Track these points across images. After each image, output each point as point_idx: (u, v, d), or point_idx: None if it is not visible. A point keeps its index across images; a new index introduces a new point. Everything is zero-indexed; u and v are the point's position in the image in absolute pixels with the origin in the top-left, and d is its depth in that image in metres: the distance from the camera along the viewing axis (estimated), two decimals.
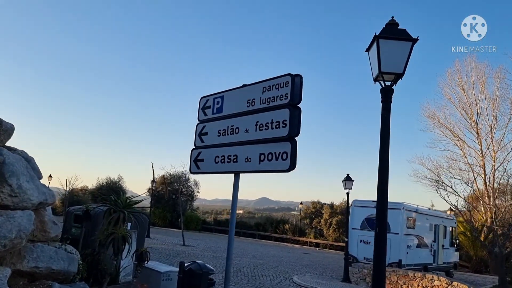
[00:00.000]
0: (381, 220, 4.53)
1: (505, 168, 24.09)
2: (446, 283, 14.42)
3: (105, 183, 41.70)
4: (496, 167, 25.11)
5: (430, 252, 19.46)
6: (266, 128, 4.67)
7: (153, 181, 32.30)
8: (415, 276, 15.10)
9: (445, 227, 20.96)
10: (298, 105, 4.49)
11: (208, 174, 5.67)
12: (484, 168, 26.37)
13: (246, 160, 4.88)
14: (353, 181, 16.77)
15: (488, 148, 28.61)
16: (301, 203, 39.88)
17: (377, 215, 4.58)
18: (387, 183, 4.50)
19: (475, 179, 25.54)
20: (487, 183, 26.69)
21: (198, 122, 5.76)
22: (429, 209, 20.05)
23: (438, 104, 28.33)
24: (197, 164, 5.57)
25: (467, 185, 20.01)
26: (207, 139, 5.53)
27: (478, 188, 25.18)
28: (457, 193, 20.32)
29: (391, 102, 4.45)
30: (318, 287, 14.64)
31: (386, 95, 4.44)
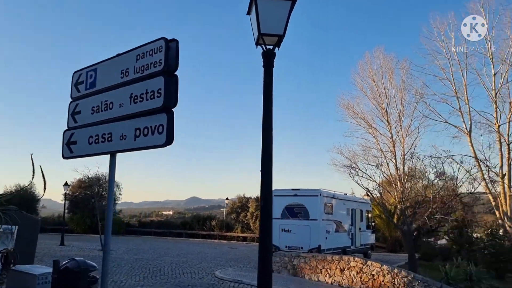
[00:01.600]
0: (266, 186, 4.16)
1: (413, 153, 25.66)
2: (361, 263, 14.90)
3: (13, 190, 38.06)
4: (405, 153, 26.79)
5: (348, 236, 20.13)
6: (141, 100, 4.18)
7: (65, 184, 30.04)
8: (333, 260, 15.43)
9: (361, 211, 21.84)
10: (175, 73, 4.04)
11: (82, 158, 5.01)
12: (395, 154, 28.01)
13: (121, 137, 4.34)
14: None
15: (397, 135, 30.51)
16: (227, 199, 39.65)
17: (262, 181, 4.20)
18: (271, 149, 4.18)
19: (387, 164, 26.97)
20: (398, 168, 28.46)
21: (71, 100, 5.08)
22: (346, 194, 20.72)
23: (352, 95, 29.47)
24: (70, 147, 4.91)
25: (380, 170, 20.97)
26: (80, 118, 4.89)
27: (390, 173, 26.68)
28: (370, 177, 21.25)
29: (273, 66, 4.16)
30: (240, 279, 14.37)
31: (268, 59, 4.14)
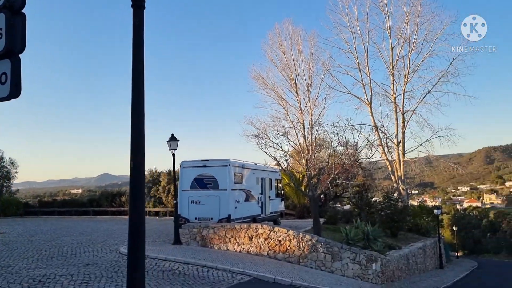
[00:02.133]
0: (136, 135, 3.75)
1: (320, 124, 26.66)
2: (269, 230, 15.23)
3: None
4: (313, 123, 27.81)
5: (258, 204, 20.46)
6: None
7: None
8: (241, 228, 15.57)
9: (271, 180, 22.29)
10: (21, 11, 3.35)
11: None
12: (303, 124, 29.00)
13: None
14: (178, 140, 16.18)
15: (306, 106, 31.58)
16: None
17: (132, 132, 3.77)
18: (142, 107, 3.76)
19: (296, 134, 27.77)
20: (306, 138, 29.56)
21: None
22: (256, 164, 20.93)
23: (263, 66, 29.57)
24: None
25: (287, 138, 21.42)
26: None
27: (299, 142, 27.59)
28: (280, 147, 21.67)
29: (143, 7, 3.69)
30: (146, 254, 13.80)
31: None
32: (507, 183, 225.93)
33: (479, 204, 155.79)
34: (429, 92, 29.42)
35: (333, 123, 20.37)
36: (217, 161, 17.98)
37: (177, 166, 17.87)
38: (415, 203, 33.91)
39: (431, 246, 25.91)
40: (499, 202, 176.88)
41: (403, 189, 29.67)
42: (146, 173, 40.40)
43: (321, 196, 35.98)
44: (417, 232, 27.95)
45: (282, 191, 24.62)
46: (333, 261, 14.63)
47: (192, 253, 14.31)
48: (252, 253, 15.25)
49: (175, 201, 17.02)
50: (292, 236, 14.85)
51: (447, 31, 29.08)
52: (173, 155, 16.36)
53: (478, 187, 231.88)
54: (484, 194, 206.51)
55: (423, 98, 29.58)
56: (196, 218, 17.58)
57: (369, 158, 15.53)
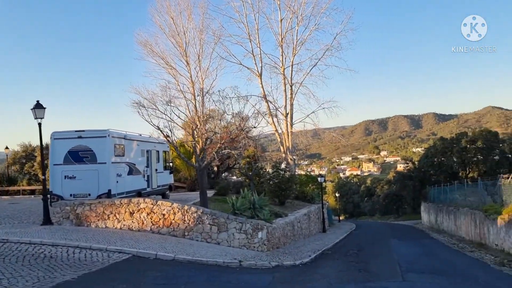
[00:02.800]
0: None
1: (211, 94, 25.99)
2: (152, 204, 14.34)
3: None
4: (204, 94, 27.02)
5: (144, 178, 19.29)
6: None
7: None
8: (121, 203, 14.43)
9: (158, 152, 21.14)
10: None
11: None
12: (195, 95, 28.07)
13: None
14: (44, 108, 14.19)
15: (197, 76, 30.60)
16: (6, 148, 33.65)
17: None
18: None
19: (188, 105, 26.76)
20: (197, 108, 28.74)
21: None
22: (141, 135, 19.59)
23: (150, 32, 27.67)
24: None
25: (172, 109, 20.39)
26: None
27: (190, 114, 26.70)
28: (170, 118, 20.57)
29: None
30: (7, 238, 11.99)
31: None
32: (382, 153, 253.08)
33: (359, 172, 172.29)
34: (315, 65, 30.57)
35: (219, 92, 19.84)
36: (94, 132, 16.30)
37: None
38: (304, 172, 35.83)
39: (316, 212, 27.47)
40: (375, 169, 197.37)
41: (291, 159, 30.76)
42: (18, 148, 36.08)
43: (214, 168, 35.90)
44: (303, 199, 29.38)
45: (171, 164, 23.64)
46: (219, 232, 14.37)
47: (64, 234, 12.83)
48: (134, 229, 14.27)
49: (43, 177, 15.08)
50: (177, 209, 14.19)
51: (331, 5, 30.27)
52: (39, 124, 14.36)
53: (358, 156, 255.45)
54: (363, 163, 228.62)
55: (310, 71, 30.66)
56: (71, 195, 15.86)
57: (255, 127, 15.46)
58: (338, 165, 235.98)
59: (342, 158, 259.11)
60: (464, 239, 21.77)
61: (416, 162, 51.88)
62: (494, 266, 12.90)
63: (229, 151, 15.24)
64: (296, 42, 29.94)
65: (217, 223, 14.34)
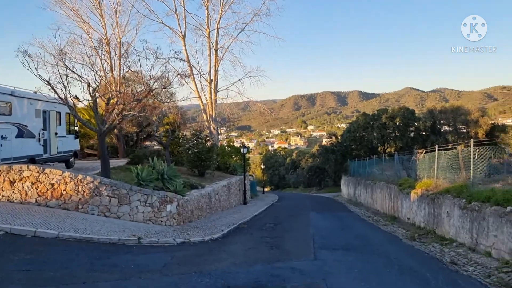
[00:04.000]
0: None
1: (129, 53, 23.51)
2: (38, 172, 12.24)
3: None
4: (121, 53, 24.41)
5: (39, 142, 16.75)
6: None
7: None
8: (0, 171, 12.15)
9: (59, 113, 18.54)
10: None
11: None
12: (110, 54, 25.36)
13: None
14: None
15: (113, 33, 27.67)
16: None
17: None
18: None
19: (102, 65, 24.11)
20: (114, 70, 26.04)
21: None
22: (36, 92, 16.90)
23: None
24: None
25: (93, 71, 17.92)
26: None
27: (106, 76, 24.07)
28: (82, 78, 18.03)
29: None
30: None
31: None
32: (309, 127, 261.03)
33: (286, 146, 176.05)
34: (242, 29, 29.00)
35: (137, 50, 17.68)
36: None
37: None
38: (237, 144, 34.54)
39: (237, 183, 26.57)
40: (302, 143, 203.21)
41: (214, 129, 29.34)
42: None
43: (133, 135, 33.42)
44: (225, 171, 28.32)
45: (77, 127, 21.07)
46: (120, 205, 12.71)
47: None
48: (15, 201, 12.10)
49: None
50: (69, 179, 12.24)
51: None
52: None
53: (287, 130, 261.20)
54: (291, 136, 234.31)
55: (237, 35, 29.02)
56: None
57: (164, 88, 13.67)
58: (267, 137, 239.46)
59: (271, 131, 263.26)
60: (379, 212, 22.16)
61: (339, 137, 53.10)
62: (405, 241, 12.77)
63: (135, 114, 13.41)
64: (223, 2, 28.03)
65: (117, 195, 12.65)
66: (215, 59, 28.72)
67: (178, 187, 14.72)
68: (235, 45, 29.52)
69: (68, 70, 12.86)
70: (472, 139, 11.65)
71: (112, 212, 12.66)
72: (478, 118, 46.02)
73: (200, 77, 29.02)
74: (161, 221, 13.48)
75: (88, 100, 13.44)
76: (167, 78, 13.89)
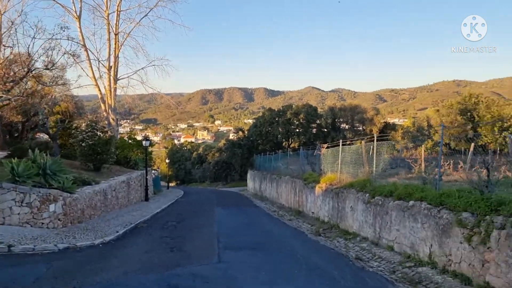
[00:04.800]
0: None
1: (11, 30, 20.43)
2: None
3: None
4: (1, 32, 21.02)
5: None
6: None
7: None
8: None
9: None
10: None
11: None
12: None
13: None
14: None
15: None
16: None
17: None
18: None
19: None
20: None
21: None
22: None
23: None
24: None
25: None
26: None
27: None
28: None
29: None
30: None
31: None
32: (216, 122, 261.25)
33: (193, 140, 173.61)
34: (146, 15, 27.02)
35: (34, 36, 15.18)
36: None
37: None
38: (140, 137, 32.21)
39: (138, 179, 24.78)
40: (209, 138, 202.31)
41: (113, 119, 27.01)
42: None
43: (14, 124, 29.48)
44: (126, 165, 26.29)
45: None
46: None
47: None
48: None
49: None
50: None
51: None
52: None
53: (194, 124, 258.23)
54: (198, 130, 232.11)
55: (140, 20, 26.96)
56: None
57: (47, 68, 11.70)
58: (173, 131, 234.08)
59: (178, 125, 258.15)
60: (284, 206, 22.21)
61: (246, 131, 53.27)
62: (311, 236, 12.60)
63: (9, 97, 11.25)
64: None
65: None
66: (115, 44, 26.36)
67: (66, 184, 12.89)
68: (137, 31, 27.59)
69: None
70: (375, 135, 11.82)
71: None
72: (373, 116, 49.45)
73: (98, 63, 26.50)
74: (42, 223, 11.60)
75: None
76: (51, 58, 11.91)
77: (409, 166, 16.36)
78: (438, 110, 47.65)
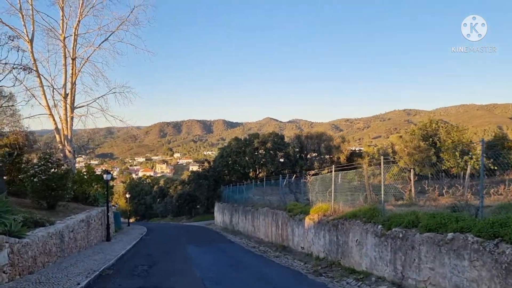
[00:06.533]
0: None
1: None
2: None
3: None
4: None
5: None
6: None
7: None
8: None
9: None
10: None
11: None
12: None
13: None
14: None
15: None
16: None
17: None
18: None
19: None
20: None
21: None
22: None
23: None
24: None
25: None
26: None
27: None
28: None
29: None
30: None
31: None
32: (175, 155, 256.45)
33: (152, 173, 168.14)
34: (106, 39, 25.11)
35: None
36: None
37: None
38: (98, 173, 29.40)
39: (98, 216, 22.19)
40: (169, 171, 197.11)
41: (69, 152, 24.40)
42: None
43: None
44: (84, 202, 23.64)
45: None
46: None
47: None
48: None
49: None
50: None
51: None
52: None
53: (152, 158, 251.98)
54: (157, 164, 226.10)
55: (100, 44, 24.97)
56: None
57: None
58: (131, 165, 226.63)
59: (135, 158, 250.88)
60: (263, 241, 20.40)
61: (211, 162, 51.27)
62: (312, 277, 10.91)
63: None
64: (82, 3, 23.83)
65: None
66: (72, 70, 24.12)
67: (13, 227, 10.57)
68: (97, 56, 25.63)
69: None
70: (382, 159, 10.54)
71: None
72: (340, 144, 49.13)
73: (53, 91, 24.06)
74: None
75: None
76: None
77: (394, 193, 15.33)
78: (401, 137, 48.03)
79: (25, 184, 19.71)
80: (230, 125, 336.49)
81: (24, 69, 18.81)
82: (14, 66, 9.59)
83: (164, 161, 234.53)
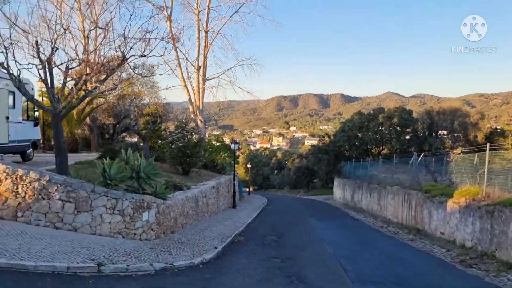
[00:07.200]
0: None
1: (107, 32, 19.85)
2: None
3: None
4: (97, 33, 20.79)
5: None
6: None
7: None
8: None
9: (13, 93, 14.86)
10: None
11: None
12: (84, 33, 21.77)
13: None
14: None
15: (88, 9, 23.93)
16: None
17: None
18: None
19: (76, 46, 20.51)
20: (87, 49, 22.34)
21: None
22: None
23: None
24: None
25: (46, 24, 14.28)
26: None
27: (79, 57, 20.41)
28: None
29: None
30: None
31: None
32: (291, 128, 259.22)
33: (269, 146, 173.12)
34: (236, 11, 25.58)
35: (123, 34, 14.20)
36: None
37: None
38: (215, 138, 30.92)
39: (226, 184, 23.28)
40: (284, 144, 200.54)
41: (201, 121, 25.87)
42: None
43: (105, 126, 29.73)
44: (213, 169, 24.98)
45: (36, 112, 17.36)
46: (77, 213, 9.26)
47: None
48: None
49: None
50: (4, 174, 8.74)
51: None
52: None
53: (269, 130, 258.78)
54: (273, 136, 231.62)
55: (231, 16, 25.54)
56: None
57: (144, 55, 10.29)
58: (249, 137, 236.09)
59: (253, 131, 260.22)
60: (392, 221, 19.17)
61: (332, 137, 50.19)
62: (460, 268, 9.71)
63: (97, 85, 9.97)
64: None
65: (74, 198, 9.20)
66: (205, 42, 25.24)
67: (159, 189, 11.35)
68: (227, 29, 26.41)
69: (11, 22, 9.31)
70: None
71: (66, 222, 9.18)
72: (478, 121, 43.86)
73: (187, 63, 25.55)
74: (135, 234, 10.07)
75: (35, 65, 9.84)
76: (148, 42, 10.46)
77: None
78: None
79: (163, 150, 21.45)
80: (348, 99, 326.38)
81: (171, 40, 20.13)
82: (163, 38, 10.17)
83: (280, 134, 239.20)
